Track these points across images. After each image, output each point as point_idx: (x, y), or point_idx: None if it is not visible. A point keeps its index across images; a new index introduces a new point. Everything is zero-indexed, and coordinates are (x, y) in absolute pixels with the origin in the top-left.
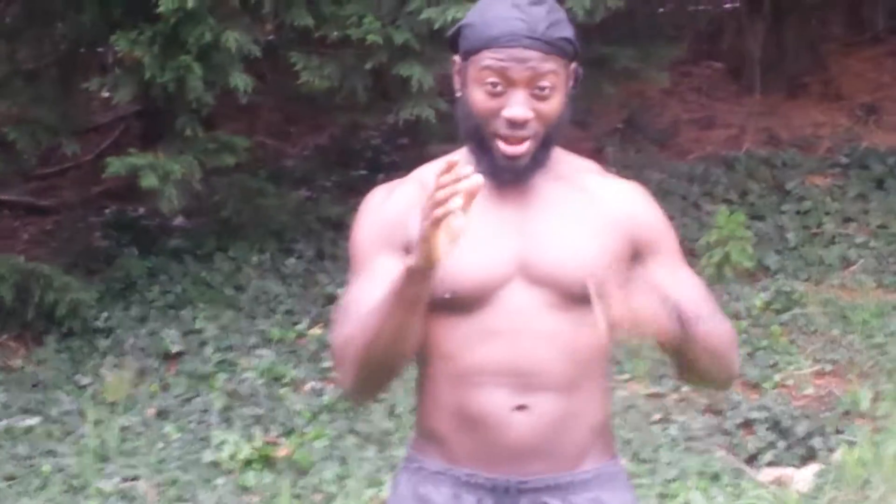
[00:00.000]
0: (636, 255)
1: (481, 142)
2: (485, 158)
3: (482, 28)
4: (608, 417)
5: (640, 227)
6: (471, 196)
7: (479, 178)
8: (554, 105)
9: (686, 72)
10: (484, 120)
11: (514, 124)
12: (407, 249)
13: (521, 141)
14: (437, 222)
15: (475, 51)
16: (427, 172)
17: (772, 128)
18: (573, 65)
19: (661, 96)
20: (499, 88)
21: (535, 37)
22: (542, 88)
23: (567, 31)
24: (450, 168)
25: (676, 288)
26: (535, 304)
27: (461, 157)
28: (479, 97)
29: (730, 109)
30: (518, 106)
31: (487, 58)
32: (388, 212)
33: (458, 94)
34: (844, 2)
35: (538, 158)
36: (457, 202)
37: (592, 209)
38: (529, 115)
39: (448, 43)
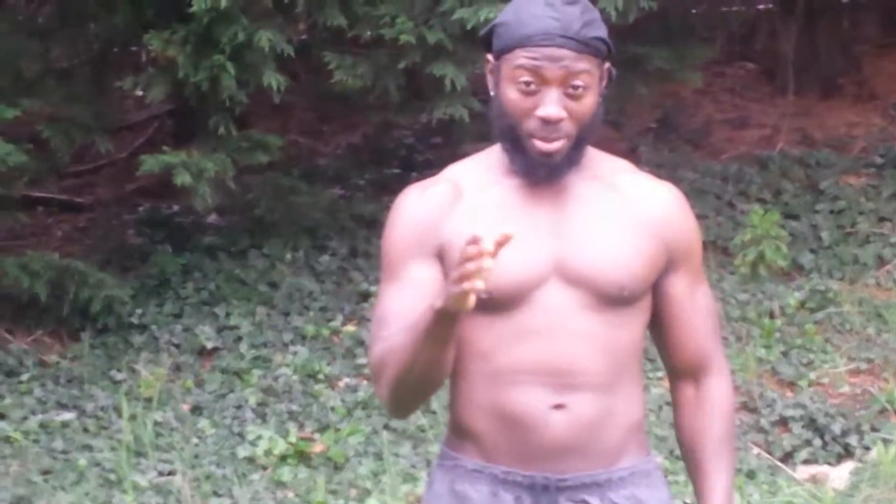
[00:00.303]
0: (669, 260)
1: (515, 141)
2: (518, 157)
3: (516, 27)
4: (643, 415)
5: (674, 233)
6: (500, 245)
7: (507, 231)
8: (587, 104)
9: (719, 72)
10: (517, 119)
11: (547, 123)
12: (440, 255)
13: (555, 139)
14: (464, 294)
15: (509, 49)
16: (458, 172)
17: (805, 128)
18: (606, 65)
19: (694, 97)
20: (532, 87)
21: (568, 36)
22: (576, 87)
23: (601, 31)
24: (475, 241)
25: (690, 315)
26: (571, 305)
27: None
28: (512, 96)
29: (763, 110)
30: (552, 105)
31: (521, 56)
32: (420, 215)
33: (492, 94)
34: (878, 3)
35: (572, 158)
36: (481, 278)
37: (628, 210)
38: (563, 114)
39: (481, 42)
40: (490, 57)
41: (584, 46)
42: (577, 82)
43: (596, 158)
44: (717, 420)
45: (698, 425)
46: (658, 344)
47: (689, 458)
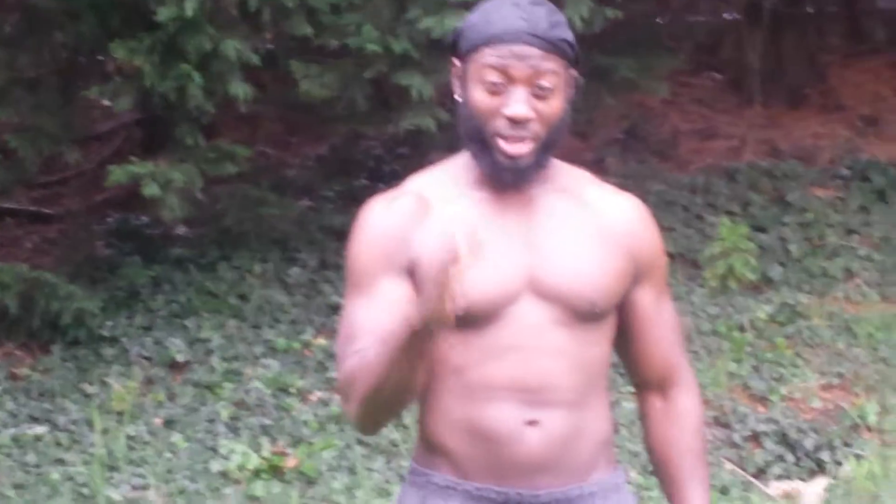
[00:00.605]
0: (636, 274)
1: (482, 143)
2: (485, 160)
3: (483, 26)
4: (612, 430)
5: (640, 246)
6: (474, 251)
7: (475, 234)
8: (555, 106)
9: (686, 83)
10: (484, 119)
11: (515, 122)
12: (410, 270)
13: (522, 140)
14: (444, 309)
15: (475, 49)
16: (423, 184)
17: (773, 139)
18: (573, 71)
19: (661, 107)
20: (499, 86)
21: (536, 34)
22: (543, 88)
23: (567, 34)
24: (449, 248)
25: (656, 328)
26: (543, 320)
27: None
28: (479, 96)
29: (730, 120)
30: (519, 104)
31: (488, 55)
32: (388, 229)
33: (458, 98)
34: (843, 13)
35: (539, 161)
36: (458, 293)
37: (596, 224)
38: (531, 114)
39: (448, 47)
40: (456, 60)
41: (552, 46)
42: (545, 83)
43: (560, 169)
44: (688, 432)
45: (670, 438)
46: (624, 357)
47: (662, 471)
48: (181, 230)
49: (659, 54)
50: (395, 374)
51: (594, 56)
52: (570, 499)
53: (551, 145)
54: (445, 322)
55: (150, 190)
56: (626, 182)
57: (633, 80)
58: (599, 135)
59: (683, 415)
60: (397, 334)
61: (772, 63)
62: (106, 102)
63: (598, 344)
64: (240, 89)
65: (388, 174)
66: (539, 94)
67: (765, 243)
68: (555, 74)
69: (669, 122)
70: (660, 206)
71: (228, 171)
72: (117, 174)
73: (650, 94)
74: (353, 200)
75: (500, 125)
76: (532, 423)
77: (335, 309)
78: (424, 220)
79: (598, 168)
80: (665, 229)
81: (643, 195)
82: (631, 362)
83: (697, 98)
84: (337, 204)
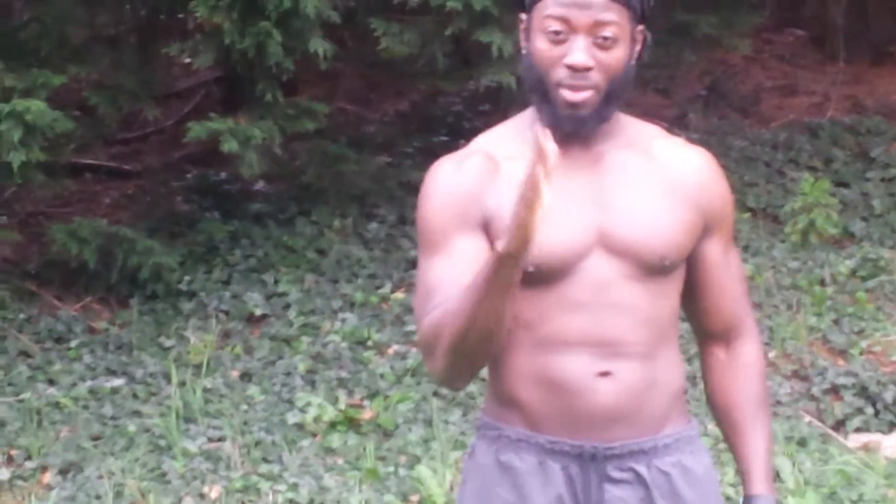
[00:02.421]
0: (705, 227)
1: (544, 93)
2: (547, 109)
3: None
4: (684, 383)
5: (710, 199)
6: (554, 168)
7: (554, 149)
8: (617, 57)
9: (768, 39)
10: (546, 69)
11: (575, 70)
12: (484, 226)
13: (582, 89)
14: (534, 210)
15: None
16: (490, 142)
17: (856, 95)
18: (641, 27)
19: (743, 64)
20: (561, 36)
21: None
22: (605, 38)
23: None
24: (542, 153)
25: (724, 279)
26: (614, 275)
27: (542, 135)
28: (541, 45)
29: (813, 77)
30: (579, 52)
31: (550, 4)
32: (461, 187)
33: (524, 51)
34: None
35: (601, 112)
36: (548, 189)
37: (664, 178)
38: (590, 62)
39: (515, 3)
40: (523, 15)
41: None
42: (606, 32)
43: (627, 124)
44: (752, 381)
45: (732, 386)
46: (690, 308)
47: (724, 419)
48: (260, 186)
49: (741, 11)
50: (484, 312)
51: (676, 13)
52: (644, 451)
53: (614, 97)
54: (531, 245)
55: (229, 146)
56: (708, 138)
57: (715, 36)
58: (681, 91)
59: (746, 364)
60: (484, 269)
61: (855, 19)
62: (185, 60)
63: (667, 297)
64: (319, 46)
65: (467, 130)
66: (601, 44)
67: (847, 199)
68: (617, 25)
69: (751, 79)
70: (741, 162)
71: (307, 127)
72: (196, 130)
73: (732, 51)
74: (433, 156)
75: (561, 74)
76: (604, 374)
77: (413, 263)
78: (494, 178)
79: (681, 124)
80: (747, 185)
81: (725, 151)
82: (697, 314)
83: (780, 55)
84: (416, 160)
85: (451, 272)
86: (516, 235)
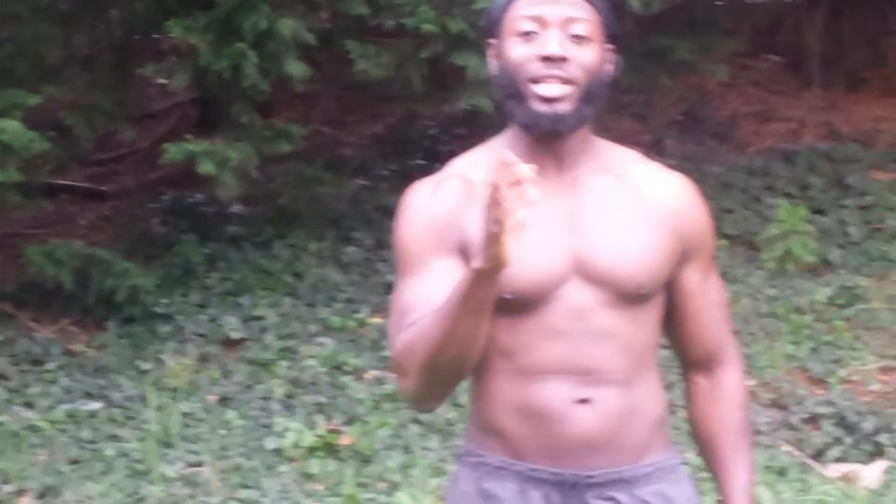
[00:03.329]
0: (683, 253)
1: (519, 94)
2: (522, 110)
3: None
4: (665, 410)
5: (688, 225)
6: (530, 186)
7: (532, 171)
8: (591, 55)
9: (744, 65)
10: (519, 67)
11: (549, 61)
12: (461, 250)
13: (560, 82)
14: (504, 227)
15: (508, 6)
16: (466, 166)
17: (832, 122)
18: (610, 46)
19: (719, 89)
20: (533, 35)
21: None
22: (578, 36)
23: None
24: (504, 167)
25: (703, 306)
26: (592, 303)
27: (510, 155)
28: (513, 48)
29: (789, 103)
30: (553, 43)
31: (520, 6)
32: (438, 210)
33: (495, 72)
34: None
35: (580, 111)
36: (521, 209)
37: (642, 204)
38: (565, 52)
39: (482, 32)
40: (491, 40)
41: None
42: (579, 30)
43: (604, 148)
44: (734, 408)
45: (714, 414)
46: (671, 336)
47: (706, 448)
48: (236, 208)
49: (717, 36)
50: (458, 332)
51: (652, 37)
52: (625, 479)
53: (592, 97)
54: (504, 262)
55: (206, 168)
56: (684, 164)
57: (691, 61)
58: (658, 116)
59: (728, 392)
60: (457, 290)
61: (831, 45)
62: (161, 81)
63: (646, 324)
64: (295, 68)
65: (443, 154)
66: (574, 40)
67: (824, 226)
68: (589, 23)
69: (728, 105)
70: (718, 189)
71: (284, 149)
72: (172, 152)
73: (709, 76)
74: (409, 180)
75: (535, 69)
76: (583, 401)
77: (390, 288)
78: (471, 202)
79: (656, 150)
80: (723, 211)
81: (701, 177)
82: (678, 341)
83: (756, 80)
84: (392, 183)
85: (426, 293)
86: (489, 253)
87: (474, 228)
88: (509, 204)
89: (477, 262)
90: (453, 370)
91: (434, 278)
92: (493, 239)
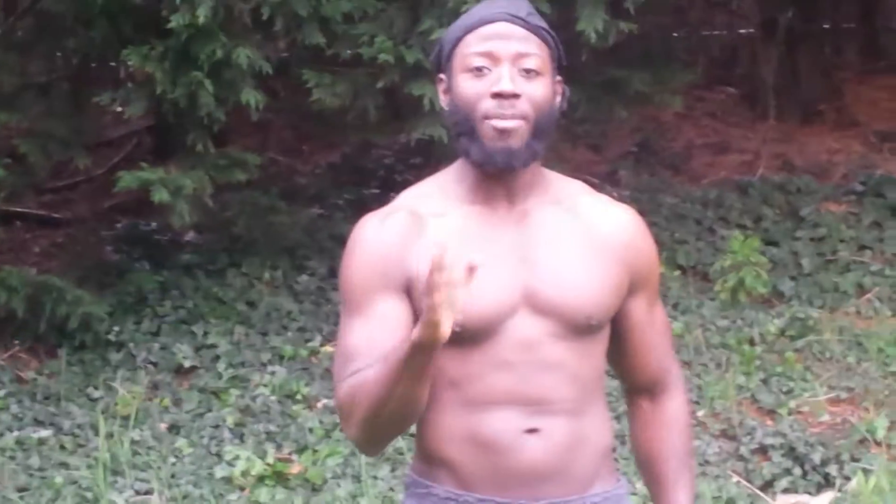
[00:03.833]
0: (631, 284)
1: (471, 131)
2: (475, 146)
3: (463, 20)
4: (612, 441)
5: (636, 257)
6: (472, 271)
7: (476, 261)
8: (541, 90)
9: (700, 96)
10: (472, 105)
11: (502, 98)
12: (406, 288)
13: (511, 118)
14: (438, 307)
15: (457, 42)
16: (415, 198)
17: (786, 154)
18: (559, 78)
19: (674, 121)
20: (484, 70)
21: (517, 16)
22: (528, 71)
23: (546, 27)
24: (440, 267)
25: (649, 335)
26: (540, 335)
27: (447, 244)
28: (465, 84)
29: (744, 135)
30: (505, 79)
31: (471, 42)
32: (383, 246)
33: (446, 107)
34: (860, 30)
35: (531, 147)
36: (458, 291)
37: (590, 236)
38: (517, 88)
39: (432, 66)
40: (441, 76)
41: (533, 28)
42: (529, 63)
43: (553, 180)
44: (676, 433)
45: (657, 439)
46: (616, 363)
47: (648, 472)
48: (190, 236)
49: (673, 68)
50: (398, 393)
51: (608, 69)
52: None
53: (541, 132)
54: (442, 337)
55: (160, 196)
56: (638, 195)
57: (646, 93)
58: (612, 148)
59: (671, 417)
60: (398, 352)
61: (786, 78)
62: (117, 108)
63: (594, 355)
64: (251, 97)
65: (399, 183)
66: (525, 75)
67: (776, 257)
68: (539, 58)
69: (683, 136)
70: (672, 220)
71: (238, 178)
72: (127, 180)
73: (664, 108)
74: (364, 209)
75: (488, 106)
76: (532, 430)
77: None
78: (419, 236)
79: (611, 181)
80: (677, 242)
81: (655, 208)
82: (623, 368)
83: (711, 112)
84: (347, 212)
85: (371, 336)
86: (427, 328)
87: (420, 264)
88: (444, 284)
89: (414, 335)
90: (394, 425)
91: (378, 320)
92: (431, 315)
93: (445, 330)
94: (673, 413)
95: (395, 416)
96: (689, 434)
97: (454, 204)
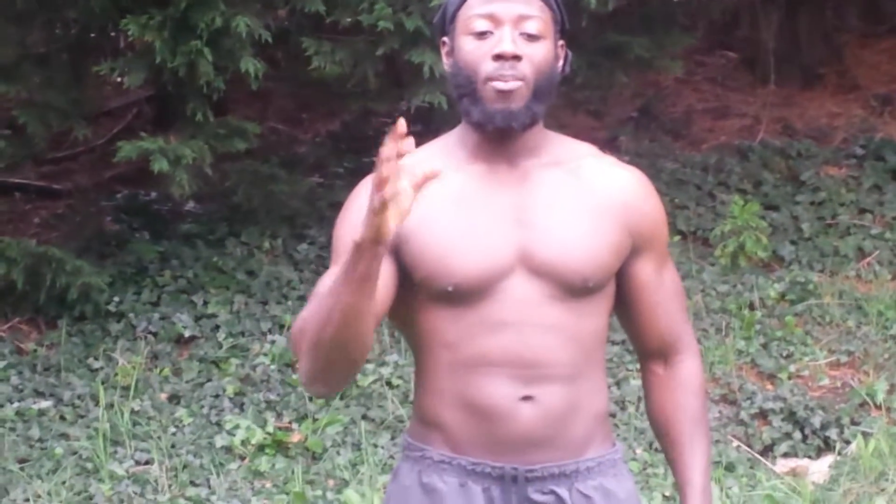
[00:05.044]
0: (634, 246)
1: (473, 92)
2: (476, 107)
3: None
4: (607, 405)
5: (639, 218)
6: (426, 178)
7: (435, 167)
8: (543, 52)
9: (700, 61)
10: (473, 66)
11: (503, 59)
12: (395, 247)
13: (511, 79)
14: (384, 201)
15: (460, 4)
16: (416, 161)
17: (786, 118)
18: (561, 42)
19: (675, 86)
20: (486, 34)
21: None
22: (530, 34)
23: None
24: (393, 138)
25: (658, 298)
26: (536, 296)
27: (403, 126)
28: (467, 47)
29: (744, 99)
30: (505, 41)
31: (473, 4)
32: None
33: (449, 69)
34: None
35: (531, 108)
36: (404, 183)
37: (591, 197)
38: (518, 50)
39: (435, 30)
40: (445, 39)
41: None
42: (531, 26)
43: (557, 142)
44: (690, 397)
45: (671, 403)
46: (627, 328)
47: (664, 437)
48: (190, 206)
49: (673, 33)
50: (339, 309)
51: (608, 34)
52: (566, 474)
53: (542, 93)
54: (384, 237)
55: (160, 165)
56: (638, 160)
57: (647, 58)
58: (613, 113)
59: (684, 381)
60: (343, 264)
61: (787, 42)
62: (117, 78)
63: (593, 317)
64: (251, 65)
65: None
66: (526, 38)
67: (776, 222)
68: (541, 20)
69: (683, 101)
70: (672, 185)
71: (238, 147)
72: (127, 150)
73: (664, 73)
74: (364, 177)
75: (490, 67)
76: (527, 398)
77: None
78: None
79: (611, 146)
80: (677, 207)
81: (656, 174)
82: (634, 333)
83: (711, 77)
84: (347, 181)
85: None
86: (369, 226)
87: (414, 222)
88: (390, 176)
89: (357, 235)
90: (337, 351)
91: None
92: (374, 211)
93: (388, 230)
94: (686, 376)
95: (339, 334)
96: (704, 397)
97: (455, 165)
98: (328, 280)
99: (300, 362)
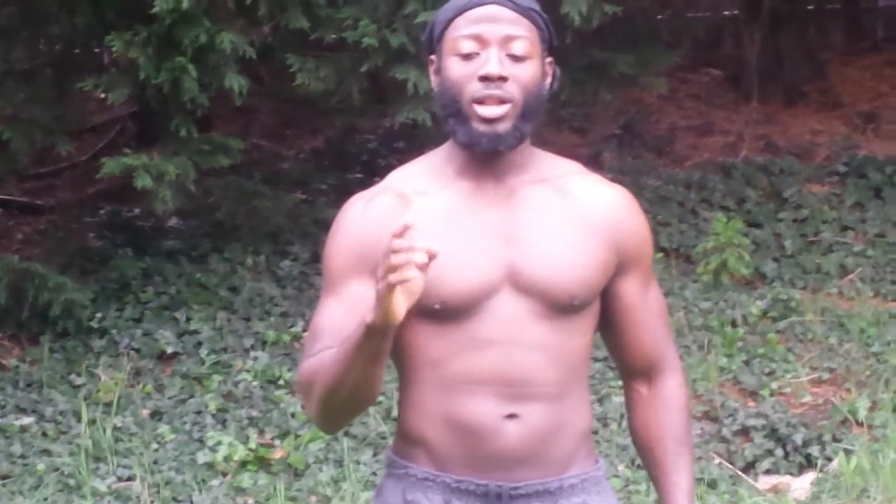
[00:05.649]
0: (620, 264)
1: (459, 113)
2: (462, 129)
3: (454, 2)
4: (591, 422)
5: (625, 236)
6: (431, 257)
7: (435, 248)
8: (530, 72)
9: (684, 78)
10: (460, 87)
11: (489, 80)
12: None
13: (498, 102)
14: (392, 287)
15: (447, 24)
16: (402, 179)
17: (769, 135)
18: (549, 59)
19: (658, 103)
20: (473, 55)
21: None
22: (517, 55)
23: (538, 8)
24: (404, 231)
25: (643, 317)
26: (523, 314)
27: (413, 221)
28: (454, 67)
29: (727, 117)
30: (493, 62)
31: (460, 25)
32: (363, 229)
33: (436, 87)
34: (843, 11)
35: (519, 129)
36: (412, 271)
37: (578, 215)
38: (505, 71)
39: (424, 46)
40: (432, 57)
41: (522, 10)
42: (517, 47)
43: (543, 159)
44: (674, 415)
45: (655, 422)
46: (611, 346)
47: (647, 455)
48: (173, 222)
49: (657, 50)
50: (353, 374)
51: (592, 51)
52: (549, 491)
53: (530, 114)
54: (394, 321)
55: (143, 181)
56: (622, 177)
57: (631, 75)
58: (596, 130)
59: (669, 400)
60: (355, 333)
61: (770, 60)
62: (100, 95)
63: (578, 335)
64: (235, 82)
65: (382, 168)
66: (513, 58)
67: (759, 239)
68: (528, 41)
69: (666, 118)
70: (655, 202)
71: (222, 163)
72: (110, 166)
73: (648, 90)
74: (348, 194)
75: (476, 88)
76: (512, 416)
77: None
78: (403, 216)
79: (595, 163)
80: (660, 224)
81: (639, 191)
82: (618, 351)
83: (695, 94)
84: (330, 197)
85: (339, 318)
86: (379, 309)
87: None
88: (399, 264)
89: (368, 317)
90: (350, 405)
91: (350, 301)
92: (384, 297)
93: (398, 314)
94: (670, 395)
95: (351, 398)
96: (687, 416)
97: (442, 183)
98: (330, 321)
99: (309, 408)
